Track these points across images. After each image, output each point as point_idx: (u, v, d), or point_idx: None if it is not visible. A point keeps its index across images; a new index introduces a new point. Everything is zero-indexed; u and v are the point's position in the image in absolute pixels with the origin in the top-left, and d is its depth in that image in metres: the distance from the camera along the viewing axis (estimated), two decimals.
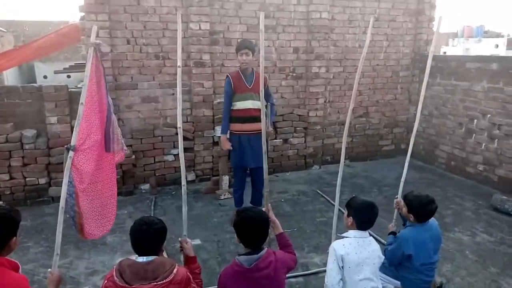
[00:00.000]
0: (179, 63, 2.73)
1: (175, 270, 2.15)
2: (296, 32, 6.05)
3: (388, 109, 7.00)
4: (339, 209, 3.21)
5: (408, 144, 3.56)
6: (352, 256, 2.54)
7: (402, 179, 3.39)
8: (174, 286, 2.11)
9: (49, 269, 2.41)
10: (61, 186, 2.53)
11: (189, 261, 2.54)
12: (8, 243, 2.05)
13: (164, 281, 2.09)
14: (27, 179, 4.94)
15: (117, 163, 3.18)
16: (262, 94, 2.99)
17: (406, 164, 3.41)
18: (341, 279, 2.53)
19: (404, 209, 2.94)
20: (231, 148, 4.41)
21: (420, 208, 2.83)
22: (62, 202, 2.51)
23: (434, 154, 6.67)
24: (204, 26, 5.41)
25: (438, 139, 6.61)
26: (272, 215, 2.79)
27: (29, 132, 4.89)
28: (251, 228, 2.36)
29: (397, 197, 3.32)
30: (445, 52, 19.22)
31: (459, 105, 6.15)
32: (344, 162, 7.12)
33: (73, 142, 2.54)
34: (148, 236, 2.19)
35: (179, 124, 2.76)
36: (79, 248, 4.00)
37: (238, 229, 2.39)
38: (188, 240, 2.66)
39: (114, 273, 2.12)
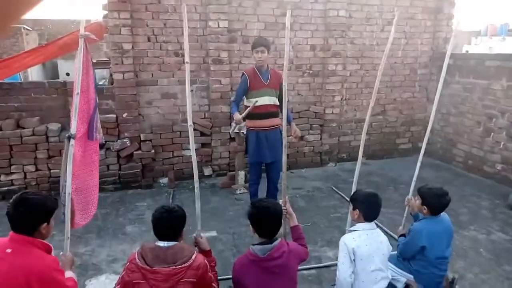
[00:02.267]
0: (187, 58, 2.84)
1: (193, 256, 2.26)
2: (314, 30, 6.10)
3: (405, 107, 6.98)
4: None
5: (426, 143, 3.59)
6: (363, 248, 2.60)
7: (414, 178, 3.42)
8: (192, 271, 2.23)
9: (61, 252, 2.55)
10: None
11: (204, 254, 2.63)
12: (38, 228, 2.14)
13: (183, 265, 2.21)
14: (51, 170, 5.15)
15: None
16: (285, 89, 3.06)
17: (419, 163, 3.45)
18: (352, 272, 2.60)
19: (418, 202, 2.99)
20: (242, 120, 4.37)
21: (434, 200, 2.88)
22: (68, 189, 2.62)
23: (452, 152, 6.62)
24: (222, 24, 5.52)
25: (455, 137, 6.56)
26: (289, 207, 2.87)
27: (54, 126, 5.10)
28: (265, 218, 2.44)
29: (409, 196, 3.36)
30: (467, 51, 18.81)
31: (478, 103, 6.09)
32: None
33: (72, 130, 2.64)
34: (168, 222, 2.32)
35: (190, 122, 2.85)
36: (101, 237, 4.17)
37: (253, 219, 2.48)
38: (203, 234, 2.77)
39: (136, 255, 2.25)
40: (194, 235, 2.79)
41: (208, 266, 2.37)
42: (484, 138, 6.01)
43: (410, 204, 3.29)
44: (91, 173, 3.01)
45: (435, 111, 3.49)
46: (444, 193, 2.89)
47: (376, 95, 7.03)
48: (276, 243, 2.42)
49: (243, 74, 4.44)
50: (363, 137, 3.37)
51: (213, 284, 2.40)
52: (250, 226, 2.50)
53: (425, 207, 2.93)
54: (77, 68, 2.71)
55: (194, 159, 2.91)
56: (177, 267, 2.20)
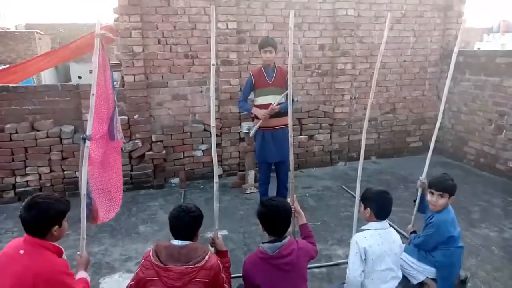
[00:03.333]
0: (213, 61, 2.88)
1: (207, 257, 2.29)
2: (322, 29, 6.11)
3: (415, 106, 6.95)
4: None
5: (436, 141, 3.61)
6: (374, 248, 2.62)
7: (423, 175, 3.41)
8: (205, 271, 2.25)
9: (78, 252, 2.60)
10: None
11: (220, 255, 2.67)
12: (50, 231, 2.19)
13: (196, 265, 2.24)
14: (65, 172, 5.25)
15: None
16: (290, 89, 3.11)
17: (428, 161, 3.47)
18: (362, 271, 2.62)
19: (429, 196, 3.03)
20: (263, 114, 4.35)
21: (439, 182, 2.99)
22: (83, 189, 2.65)
23: (463, 150, 6.57)
24: (231, 26, 5.57)
25: (467, 135, 6.51)
26: (297, 206, 2.90)
27: (68, 128, 5.20)
28: (274, 216, 2.48)
29: (422, 177, 3.36)
30: (479, 48, 18.61)
31: (489, 101, 6.04)
32: (370, 158, 7.17)
33: (88, 132, 2.67)
34: (185, 222, 2.35)
35: (213, 123, 2.91)
36: (114, 236, 4.24)
37: (262, 217, 2.52)
38: (220, 235, 2.80)
39: (151, 253, 2.30)
40: (211, 235, 2.83)
41: (222, 267, 2.40)
42: (495, 135, 5.95)
43: (424, 186, 3.30)
44: (114, 173, 3.05)
45: (444, 109, 3.52)
46: (448, 177, 3.03)
47: (386, 94, 7.09)
48: (285, 241, 2.45)
49: (249, 74, 4.51)
50: (364, 136, 3.47)
51: (225, 285, 2.42)
52: (260, 224, 2.54)
53: (447, 194, 2.99)
54: (93, 69, 2.71)
55: (215, 161, 2.94)
56: (190, 266, 2.23)
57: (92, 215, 2.87)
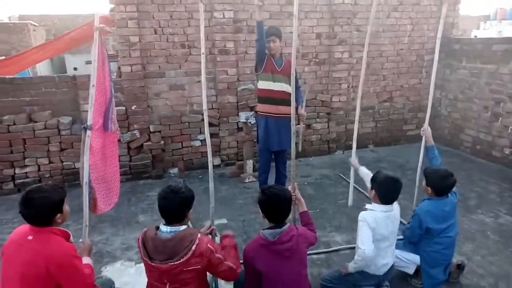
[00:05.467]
0: (202, 50, 2.86)
1: (194, 246, 2.22)
2: (319, 18, 6.10)
3: (412, 94, 6.97)
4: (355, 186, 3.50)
5: (433, 129, 3.69)
6: (381, 229, 2.73)
7: (420, 163, 3.48)
8: (195, 259, 2.23)
9: (80, 239, 2.65)
10: None
11: (222, 237, 2.72)
12: (52, 221, 2.23)
13: (182, 259, 2.19)
14: (64, 163, 5.27)
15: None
16: (293, 77, 3.11)
17: (422, 148, 3.54)
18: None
19: (423, 183, 3.05)
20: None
21: (438, 181, 2.93)
22: (85, 178, 2.70)
23: (459, 138, 6.62)
24: (227, 15, 5.55)
25: (463, 123, 6.55)
26: (298, 193, 2.93)
27: (65, 119, 5.20)
28: (275, 204, 2.51)
29: (425, 126, 3.48)
30: (475, 36, 18.57)
31: (485, 88, 6.07)
32: (368, 147, 7.20)
33: (89, 121, 2.71)
34: (174, 203, 2.30)
35: (205, 106, 2.87)
36: (114, 226, 4.28)
37: (263, 205, 2.55)
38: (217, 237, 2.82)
39: (140, 242, 2.32)
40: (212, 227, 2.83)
41: (214, 250, 2.34)
42: (492, 123, 5.99)
43: (426, 134, 3.36)
44: (111, 164, 3.09)
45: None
46: (449, 174, 2.94)
47: (383, 82, 7.10)
48: (285, 227, 2.49)
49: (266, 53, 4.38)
50: (356, 125, 3.63)
51: (224, 262, 2.39)
52: (260, 211, 2.57)
53: (429, 188, 2.98)
54: (92, 61, 2.75)
55: (208, 140, 2.96)
56: (175, 263, 2.19)
57: (93, 204, 2.91)
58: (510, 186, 5.08)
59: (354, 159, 3.67)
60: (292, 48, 3.03)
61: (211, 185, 2.92)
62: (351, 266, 2.84)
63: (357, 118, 3.64)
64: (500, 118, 5.85)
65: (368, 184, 3.10)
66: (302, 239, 2.55)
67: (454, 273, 3.18)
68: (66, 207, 2.32)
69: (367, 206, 2.86)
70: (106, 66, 2.93)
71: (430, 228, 2.94)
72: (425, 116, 3.64)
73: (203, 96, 2.89)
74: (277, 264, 2.45)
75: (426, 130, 3.39)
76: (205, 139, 5.79)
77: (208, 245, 2.31)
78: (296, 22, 2.98)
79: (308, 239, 2.62)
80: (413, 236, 3.09)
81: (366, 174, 3.30)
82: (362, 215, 2.78)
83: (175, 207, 2.31)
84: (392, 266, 2.94)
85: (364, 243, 2.70)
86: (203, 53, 2.89)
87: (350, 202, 3.81)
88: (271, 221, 2.53)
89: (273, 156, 4.71)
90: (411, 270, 3.15)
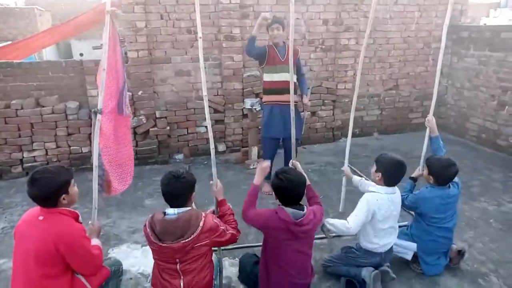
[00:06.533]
0: (199, 34, 2.94)
1: (201, 223, 2.35)
2: (326, 4, 6.05)
3: (418, 82, 6.94)
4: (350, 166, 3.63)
5: (439, 117, 3.70)
6: (383, 211, 2.78)
7: (423, 152, 3.51)
8: (204, 235, 2.35)
9: (90, 221, 2.72)
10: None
11: (219, 203, 2.78)
12: (57, 201, 2.28)
13: (192, 236, 2.30)
14: (71, 147, 5.33)
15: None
16: (291, 65, 3.17)
17: (426, 137, 3.55)
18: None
19: (425, 171, 3.07)
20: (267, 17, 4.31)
21: (440, 171, 2.95)
22: (95, 161, 2.75)
23: (465, 127, 6.60)
24: (234, 0, 5.52)
25: (469, 111, 6.52)
26: (299, 167, 2.97)
27: (72, 104, 5.25)
28: (289, 189, 2.53)
29: (429, 116, 3.46)
30: (485, 24, 18.30)
31: (493, 76, 6.02)
32: (373, 135, 7.20)
33: (99, 106, 2.73)
34: (176, 188, 2.38)
35: (204, 92, 2.89)
36: (121, 209, 4.36)
37: (278, 189, 2.57)
38: (219, 184, 2.85)
39: (147, 226, 2.38)
40: (211, 182, 2.89)
41: (218, 223, 2.48)
42: (498, 111, 5.97)
43: (431, 124, 3.37)
44: (125, 146, 3.11)
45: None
46: (451, 164, 2.96)
47: (389, 70, 7.07)
48: (306, 211, 2.54)
49: (264, 46, 4.46)
50: (352, 114, 3.80)
51: (227, 232, 2.50)
52: (273, 193, 2.60)
53: (431, 176, 3.01)
54: (103, 44, 2.75)
55: (209, 126, 2.97)
56: (186, 240, 2.30)
57: (106, 186, 2.97)
58: None
59: (346, 168, 3.68)
60: (290, 36, 3.08)
61: (214, 170, 2.99)
62: (326, 224, 2.90)
63: (353, 107, 3.64)
64: (506, 107, 5.81)
65: (363, 189, 3.18)
66: (317, 222, 2.61)
67: (455, 259, 3.22)
68: (74, 189, 2.37)
69: (371, 188, 2.90)
70: (118, 50, 2.92)
71: (428, 215, 2.99)
72: (431, 104, 3.64)
73: (202, 82, 2.94)
74: (287, 239, 2.52)
75: (431, 121, 3.38)
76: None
77: (214, 220, 2.45)
78: (293, 9, 3.00)
79: (320, 221, 2.68)
80: (410, 208, 3.18)
81: (359, 181, 3.33)
82: (366, 196, 2.83)
83: (178, 191, 2.39)
84: (392, 247, 3.00)
85: (354, 221, 2.77)
86: (200, 37, 2.92)
87: (341, 208, 3.90)
88: (285, 204, 2.56)
89: (281, 143, 4.74)
90: (409, 256, 3.20)
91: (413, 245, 3.12)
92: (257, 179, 2.86)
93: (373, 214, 2.76)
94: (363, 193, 3.07)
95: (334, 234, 3.05)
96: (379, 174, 2.83)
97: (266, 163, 2.95)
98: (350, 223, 2.78)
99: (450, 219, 3.04)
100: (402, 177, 2.84)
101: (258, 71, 5.79)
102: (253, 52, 4.39)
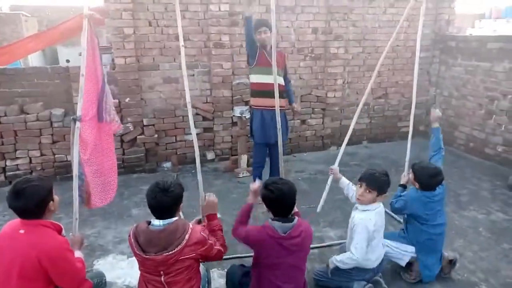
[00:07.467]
0: (181, 42, 2.95)
1: (187, 236, 2.24)
2: (315, 13, 6.07)
3: (407, 90, 6.96)
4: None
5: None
6: (376, 227, 2.81)
7: (406, 160, 3.54)
8: (189, 248, 2.24)
9: (71, 233, 2.63)
10: None
11: (209, 217, 2.67)
12: (46, 209, 2.23)
13: (176, 249, 2.20)
14: (56, 155, 5.21)
15: (114, 134, 3.28)
16: (274, 68, 3.21)
17: (409, 145, 3.69)
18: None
19: (411, 176, 3.09)
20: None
21: (426, 180, 3.00)
22: (75, 170, 2.66)
23: (453, 135, 6.64)
24: (223, 8, 5.50)
25: (457, 120, 6.57)
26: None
27: (58, 111, 5.14)
28: (280, 200, 2.46)
29: (405, 173, 3.57)
30: (470, 34, 18.65)
31: (480, 85, 6.09)
32: (362, 143, 7.22)
33: (78, 112, 2.65)
34: (163, 201, 2.26)
35: (188, 99, 2.98)
36: (106, 219, 4.25)
37: (268, 201, 2.49)
38: (213, 197, 2.72)
39: (131, 236, 2.29)
40: (205, 194, 2.79)
41: (207, 234, 2.38)
42: (485, 120, 6.02)
43: (434, 116, 3.66)
44: (107, 156, 3.02)
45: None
46: (437, 173, 3.01)
47: (378, 79, 7.10)
48: (295, 221, 2.46)
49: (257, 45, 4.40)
50: (355, 120, 3.80)
51: (215, 247, 2.41)
52: (263, 203, 2.53)
53: (417, 183, 3.05)
54: (82, 50, 2.69)
55: (194, 134, 2.99)
56: (169, 253, 2.20)
57: (86, 198, 2.87)
58: (502, 183, 5.11)
59: (335, 167, 3.62)
60: (272, 40, 3.16)
61: (199, 177, 2.98)
62: (334, 262, 2.91)
63: (357, 114, 3.67)
64: (494, 116, 5.87)
65: (347, 193, 3.24)
66: (308, 235, 2.54)
67: (446, 268, 3.20)
68: (55, 196, 2.32)
69: (358, 206, 2.89)
70: (97, 56, 2.85)
71: (419, 215, 3.03)
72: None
73: (185, 89, 2.96)
74: (281, 256, 2.44)
75: (433, 113, 3.61)
76: (199, 134, 5.82)
77: (201, 233, 2.33)
78: (274, 17, 3.02)
79: (312, 235, 2.61)
80: (398, 212, 3.30)
81: (347, 184, 3.32)
82: (361, 222, 2.78)
83: (165, 205, 2.28)
84: (383, 257, 2.99)
85: (358, 251, 2.76)
86: (182, 45, 2.89)
87: (319, 208, 3.81)
88: (276, 215, 2.50)
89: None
90: (404, 262, 3.17)
91: (412, 248, 3.12)
92: (252, 199, 2.79)
93: (372, 234, 2.78)
94: (345, 196, 3.25)
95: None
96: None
97: (257, 184, 2.82)
98: (356, 254, 2.78)
99: (440, 214, 3.10)
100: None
101: (247, 79, 5.76)
102: (251, 35, 4.27)
